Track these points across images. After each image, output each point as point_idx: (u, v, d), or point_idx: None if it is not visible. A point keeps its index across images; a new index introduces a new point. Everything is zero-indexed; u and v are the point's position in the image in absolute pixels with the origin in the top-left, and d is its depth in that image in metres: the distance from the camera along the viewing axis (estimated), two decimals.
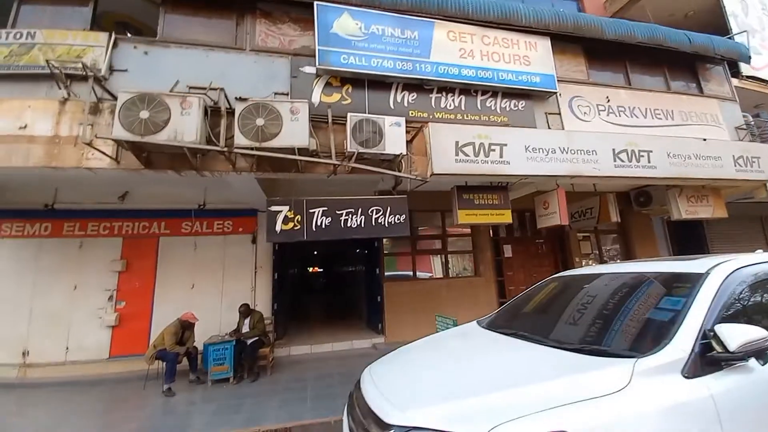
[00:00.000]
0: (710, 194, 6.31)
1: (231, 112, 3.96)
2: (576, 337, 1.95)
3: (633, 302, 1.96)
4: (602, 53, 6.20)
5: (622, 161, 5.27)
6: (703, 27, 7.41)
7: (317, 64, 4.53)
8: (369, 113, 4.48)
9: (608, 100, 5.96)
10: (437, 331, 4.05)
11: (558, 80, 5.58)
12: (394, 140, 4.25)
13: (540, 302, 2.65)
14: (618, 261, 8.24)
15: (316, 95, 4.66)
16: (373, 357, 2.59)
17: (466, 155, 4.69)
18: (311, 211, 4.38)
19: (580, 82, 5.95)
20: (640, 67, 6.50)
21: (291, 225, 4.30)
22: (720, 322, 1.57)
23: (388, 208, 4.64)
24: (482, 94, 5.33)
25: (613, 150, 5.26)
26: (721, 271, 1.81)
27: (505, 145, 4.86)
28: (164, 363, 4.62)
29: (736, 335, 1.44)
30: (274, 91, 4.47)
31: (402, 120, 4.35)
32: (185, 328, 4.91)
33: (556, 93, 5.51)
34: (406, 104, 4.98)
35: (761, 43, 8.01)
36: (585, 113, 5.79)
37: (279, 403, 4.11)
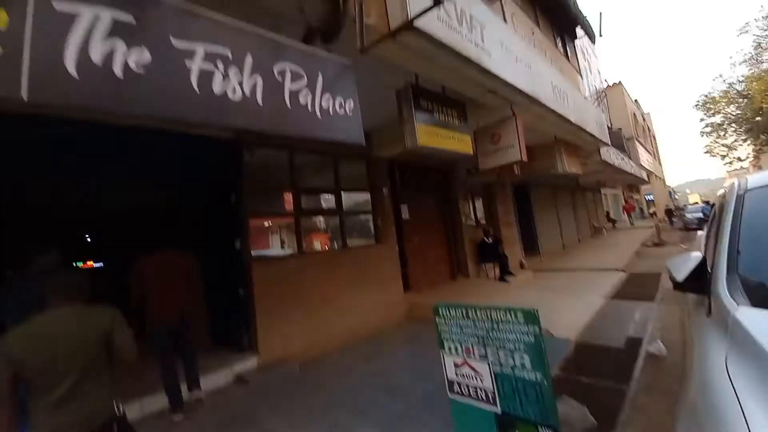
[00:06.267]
0: (574, 153, 6.92)
1: None
2: None
3: None
4: None
5: (557, 98, 4.68)
6: None
7: None
8: None
9: (533, 33, 5.31)
10: (440, 334, 1.95)
11: None
12: None
13: None
14: (484, 223, 8.35)
15: None
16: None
17: (449, 16, 2.66)
18: (66, 11, 1.17)
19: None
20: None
21: None
22: None
23: (319, 78, 1.98)
24: None
25: (551, 83, 4.57)
26: None
27: (485, 27, 3.15)
28: None
29: None
30: None
31: None
32: None
33: None
34: None
35: None
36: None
37: None
